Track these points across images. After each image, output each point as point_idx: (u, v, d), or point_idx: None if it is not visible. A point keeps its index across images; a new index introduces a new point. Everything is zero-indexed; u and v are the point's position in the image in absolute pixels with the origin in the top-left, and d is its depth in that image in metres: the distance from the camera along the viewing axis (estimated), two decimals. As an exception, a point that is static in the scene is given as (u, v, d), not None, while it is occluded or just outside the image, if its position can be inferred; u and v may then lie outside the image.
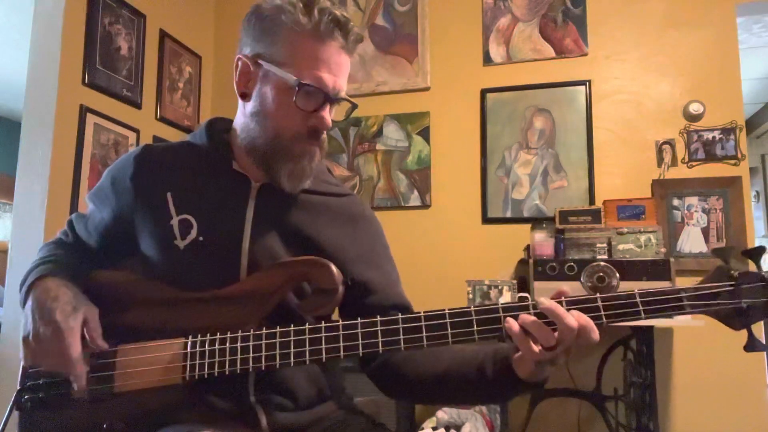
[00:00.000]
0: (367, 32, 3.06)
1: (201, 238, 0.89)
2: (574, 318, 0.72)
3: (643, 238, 2.24)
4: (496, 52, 2.88)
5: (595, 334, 0.73)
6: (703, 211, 2.54)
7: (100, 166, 2.45)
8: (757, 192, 5.06)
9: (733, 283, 0.73)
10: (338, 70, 0.88)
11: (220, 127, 0.99)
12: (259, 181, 0.94)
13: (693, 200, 2.55)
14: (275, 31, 0.86)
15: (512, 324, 0.74)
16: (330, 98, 0.88)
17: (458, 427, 2.27)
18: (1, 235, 5.45)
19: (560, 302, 0.75)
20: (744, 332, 0.73)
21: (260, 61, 0.88)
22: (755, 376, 2.43)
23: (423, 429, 2.32)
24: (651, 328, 2.19)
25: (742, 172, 2.53)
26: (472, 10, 2.94)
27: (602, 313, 0.75)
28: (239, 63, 0.91)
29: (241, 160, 0.95)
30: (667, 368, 2.49)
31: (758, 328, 0.74)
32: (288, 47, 0.86)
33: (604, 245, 2.26)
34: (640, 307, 0.74)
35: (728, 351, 2.44)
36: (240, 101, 0.94)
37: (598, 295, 0.75)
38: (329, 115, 0.90)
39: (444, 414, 2.34)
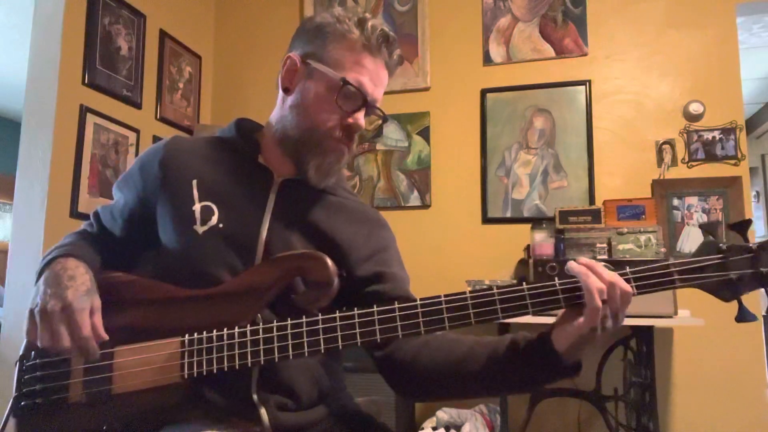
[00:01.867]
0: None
1: (221, 225, 0.91)
2: (607, 275, 0.74)
3: (643, 238, 2.24)
4: (496, 52, 2.88)
5: (628, 288, 0.74)
6: (703, 211, 2.54)
7: (100, 166, 2.45)
8: (757, 192, 5.06)
9: (721, 255, 0.74)
10: (378, 81, 0.95)
11: (249, 126, 1.04)
12: (282, 176, 0.97)
13: (693, 200, 2.55)
14: (328, 37, 0.93)
15: (573, 265, 0.77)
16: (368, 103, 0.93)
17: (458, 427, 2.27)
18: (1, 235, 5.45)
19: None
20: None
21: (309, 60, 0.94)
22: (755, 376, 2.43)
23: (423, 429, 2.32)
24: (651, 327, 2.19)
25: (742, 172, 2.53)
26: (472, 10, 2.94)
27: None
28: (287, 61, 0.96)
29: (268, 154, 0.99)
30: (667, 368, 2.49)
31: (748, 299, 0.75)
32: (338, 51, 0.92)
33: (604, 245, 2.26)
34: (632, 283, 0.75)
35: (728, 351, 2.44)
36: (280, 95, 0.99)
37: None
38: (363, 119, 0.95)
39: (444, 414, 2.34)
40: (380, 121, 1.04)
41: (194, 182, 0.94)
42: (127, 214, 1.01)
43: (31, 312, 0.85)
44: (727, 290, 0.74)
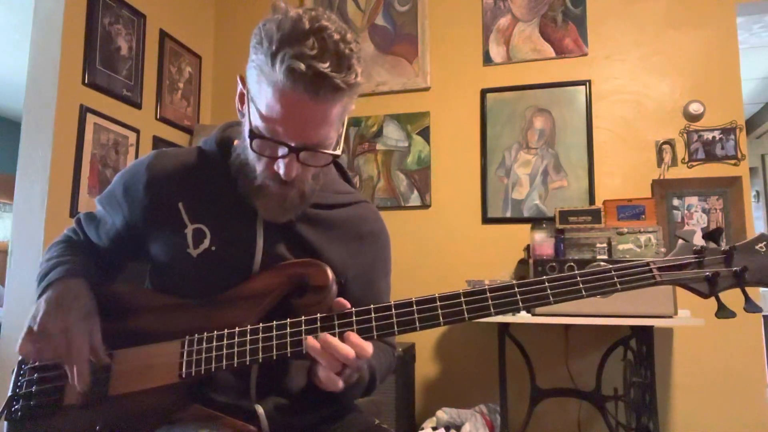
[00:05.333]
0: (367, 32, 3.06)
1: (213, 248, 0.90)
2: (341, 351, 0.77)
3: (643, 238, 2.24)
4: (496, 52, 2.88)
5: (365, 353, 0.78)
6: (703, 211, 2.54)
7: (100, 166, 2.45)
8: (757, 192, 5.06)
9: (696, 256, 0.80)
10: (304, 120, 0.79)
11: (232, 135, 0.98)
12: None
13: (693, 200, 2.55)
14: (254, 64, 0.81)
15: (312, 343, 0.79)
16: (292, 148, 0.80)
17: (458, 427, 2.27)
18: (1, 235, 5.45)
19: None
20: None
21: (246, 88, 0.85)
22: (755, 376, 2.43)
23: (423, 429, 2.32)
24: (651, 327, 2.19)
25: (742, 172, 2.53)
26: (472, 10, 2.94)
27: (581, 287, 0.80)
28: (239, 81, 0.88)
29: None
30: (667, 368, 2.49)
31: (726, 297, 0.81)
32: (258, 87, 0.80)
33: (604, 245, 2.26)
34: (616, 279, 0.80)
35: (728, 351, 2.44)
36: None
37: (576, 271, 0.81)
38: (300, 160, 0.82)
39: (444, 414, 2.34)
40: (339, 153, 0.86)
41: (180, 205, 0.92)
42: (114, 235, 0.99)
43: (30, 329, 0.85)
44: (704, 288, 0.80)
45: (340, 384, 0.79)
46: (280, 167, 0.82)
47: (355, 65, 0.79)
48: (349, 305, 0.82)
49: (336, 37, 0.77)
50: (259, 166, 0.85)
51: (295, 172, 0.83)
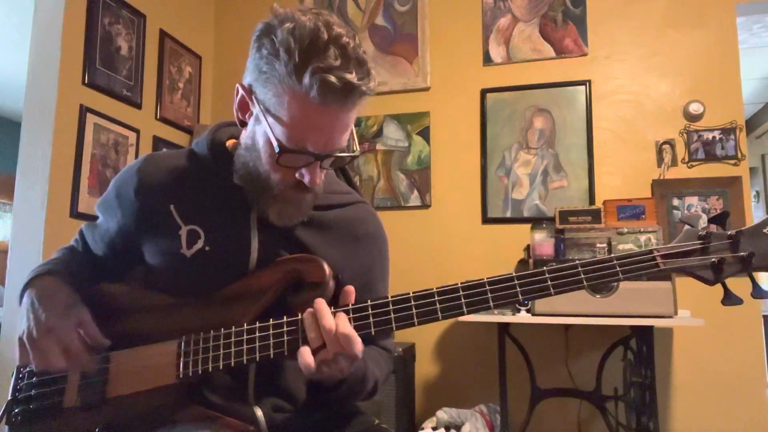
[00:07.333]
0: (367, 32, 3.06)
1: (207, 248, 0.90)
2: (327, 324, 0.76)
3: (643, 238, 2.24)
4: (496, 52, 2.88)
5: (346, 332, 0.76)
6: (703, 211, 2.54)
7: (100, 166, 2.45)
8: (757, 192, 5.06)
9: (702, 242, 0.78)
10: (333, 129, 0.80)
11: (224, 136, 0.97)
12: None
13: (693, 200, 2.55)
14: (268, 76, 0.78)
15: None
16: (320, 156, 0.82)
17: (458, 427, 2.27)
18: (1, 235, 5.45)
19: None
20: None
21: (254, 99, 0.83)
22: (755, 376, 2.43)
23: (423, 429, 2.33)
24: (651, 327, 2.19)
25: (742, 172, 2.53)
26: (472, 10, 2.94)
27: (582, 276, 0.78)
28: (239, 90, 0.86)
29: None
30: (667, 368, 2.49)
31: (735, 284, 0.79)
32: (278, 100, 0.79)
33: (604, 245, 2.26)
34: (618, 268, 0.78)
35: (728, 351, 2.44)
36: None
37: (578, 261, 0.79)
38: (321, 166, 0.85)
39: (444, 414, 2.34)
40: (357, 152, 0.87)
41: (172, 207, 0.92)
42: (108, 240, 1.00)
43: (20, 339, 0.86)
44: (710, 274, 0.77)
45: (312, 365, 0.76)
46: (305, 176, 0.83)
47: (371, 68, 0.80)
48: (353, 296, 0.82)
49: (351, 43, 0.77)
50: (277, 176, 0.84)
51: (319, 179, 0.84)
